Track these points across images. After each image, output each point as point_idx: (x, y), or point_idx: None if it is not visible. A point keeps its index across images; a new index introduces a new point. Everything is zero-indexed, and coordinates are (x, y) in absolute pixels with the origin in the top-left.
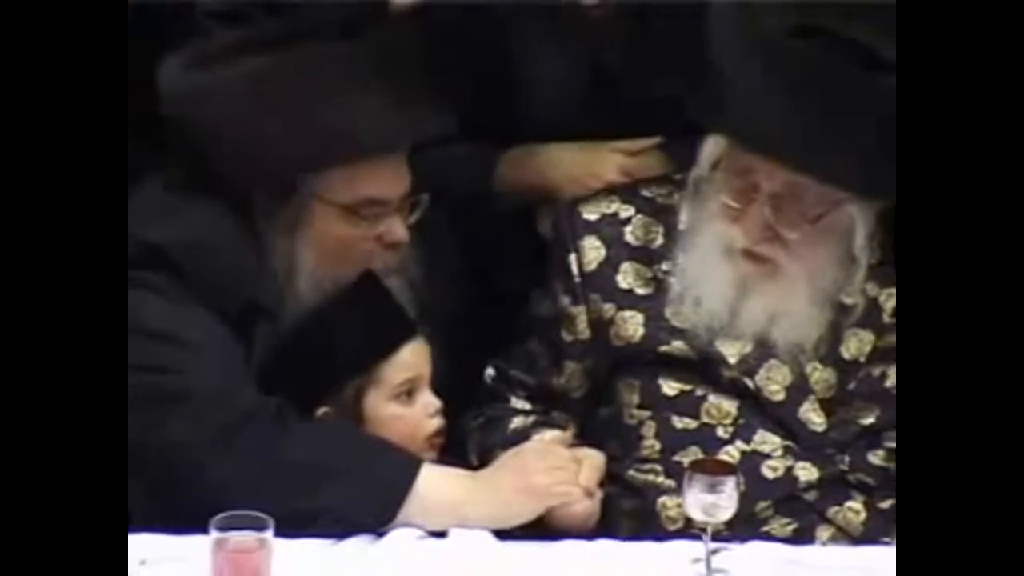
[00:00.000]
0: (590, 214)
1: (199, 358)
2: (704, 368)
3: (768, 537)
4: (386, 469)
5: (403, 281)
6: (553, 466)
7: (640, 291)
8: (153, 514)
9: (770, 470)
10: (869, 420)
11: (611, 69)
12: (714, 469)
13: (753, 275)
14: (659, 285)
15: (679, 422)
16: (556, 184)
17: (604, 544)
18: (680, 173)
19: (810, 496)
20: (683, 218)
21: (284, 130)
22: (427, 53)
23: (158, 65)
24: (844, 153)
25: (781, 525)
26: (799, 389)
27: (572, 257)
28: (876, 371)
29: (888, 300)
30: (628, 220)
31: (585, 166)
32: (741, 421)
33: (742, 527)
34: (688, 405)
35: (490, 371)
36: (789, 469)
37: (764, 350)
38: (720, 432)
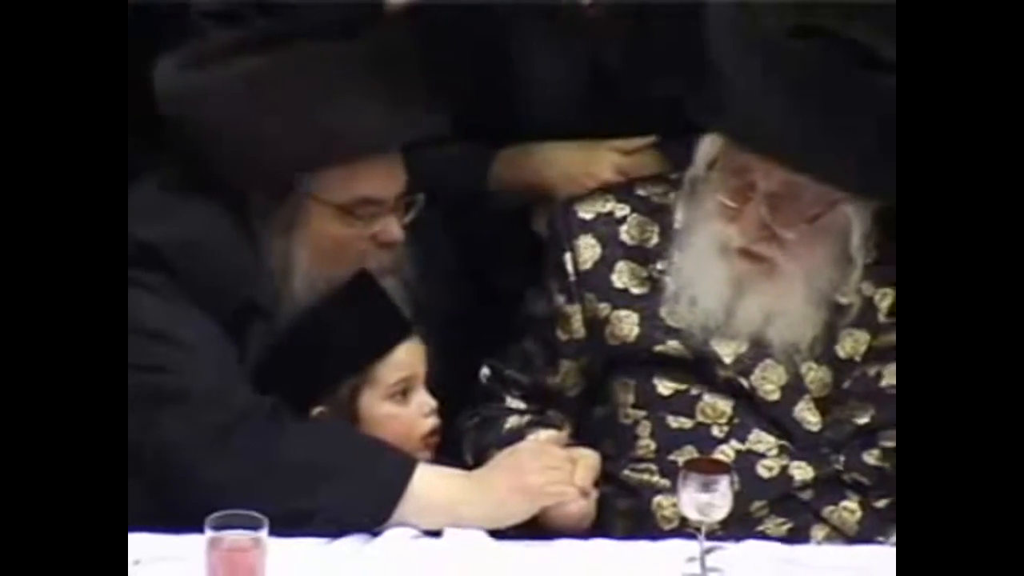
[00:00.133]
0: (585, 213)
1: (194, 357)
2: (699, 368)
3: (763, 536)
4: (381, 469)
5: (398, 280)
6: (548, 466)
7: (635, 290)
8: (148, 513)
9: (765, 469)
10: (864, 420)
11: (609, 69)
12: (709, 468)
13: (749, 274)
14: (654, 284)
15: (674, 421)
16: (552, 183)
17: (599, 543)
18: (676, 172)
19: (805, 495)
20: (679, 217)
21: (280, 130)
22: (423, 53)
23: (153, 65)
24: (842, 153)
25: (776, 524)
26: (794, 389)
27: (567, 256)
28: (871, 371)
29: (883, 300)
30: (623, 219)
31: (581, 165)
32: (736, 421)
33: (737, 526)
34: (683, 404)
35: (485, 370)
36: (784, 468)
37: (759, 349)
38: (715, 431)
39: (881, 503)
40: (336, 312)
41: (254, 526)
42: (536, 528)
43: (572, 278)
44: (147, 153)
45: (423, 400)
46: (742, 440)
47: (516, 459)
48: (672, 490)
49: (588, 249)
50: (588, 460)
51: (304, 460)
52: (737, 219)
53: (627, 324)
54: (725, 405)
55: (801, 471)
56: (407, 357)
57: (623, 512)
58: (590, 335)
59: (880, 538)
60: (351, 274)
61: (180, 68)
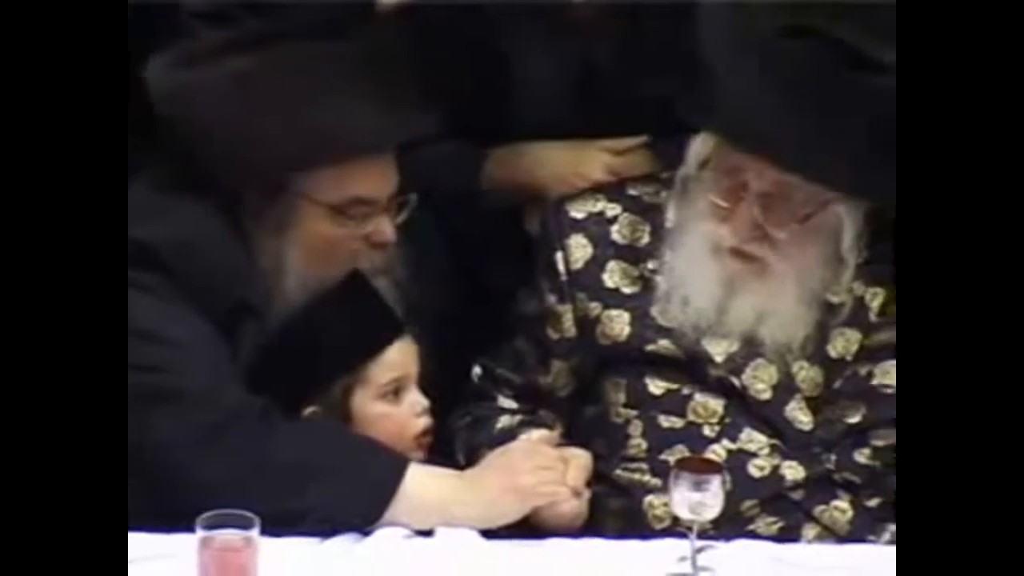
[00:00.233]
0: (577, 212)
1: (186, 357)
2: (691, 367)
3: (754, 536)
4: (373, 468)
5: (390, 280)
6: (540, 466)
7: (626, 290)
8: (140, 512)
9: (756, 469)
10: (855, 419)
11: (601, 68)
12: (700, 467)
13: (741, 274)
14: (646, 284)
15: (665, 421)
16: (543, 183)
17: (591, 543)
18: (667, 172)
19: (796, 495)
20: (670, 217)
21: (271, 130)
22: (414, 53)
23: (144, 65)
24: (834, 153)
25: (767, 524)
26: (785, 388)
27: (559, 255)
28: (862, 370)
29: (874, 299)
30: (614, 219)
31: (572, 165)
32: (727, 420)
33: (728, 526)
34: (674, 404)
35: (477, 370)
36: (775, 468)
37: (751, 349)
38: (706, 431)
39: (872, 502)
40: (328, 312)
41: (246, 525)
42: (528, 528)
43: (563, 277)
44: (140, 153)
45: (415, 400)
46: (733, 439)
47: (508, 459)
48: (663, 489)
49: (579, 248)
50: (580, 460)
51: (296, 459)
52: (729, 219)
53: (618, 323)
54: (716, 404)
55: (792, 470)
56: (399, 357)
57: (614, 511)
58: (581, 334)
59: (871, 537)
60: (343, 274)
61: (170, 68)
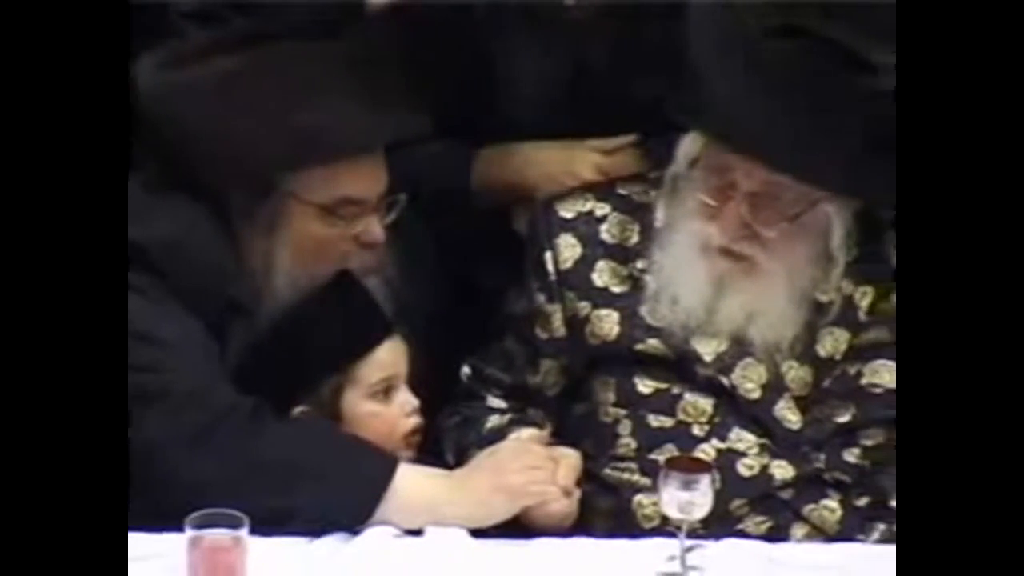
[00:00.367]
0: (566, 212)
1: (176, 357)
2: (680, 366)
3: (743, 535)
4: (363, 468)
5: (380, 280)
6: (529, 465)
7: (616, 289)
8: (129, 512)
9: (746, 468)
10: (844, 418)
11: (591, 68)
12: (689, 466)
13: (730, 273)
14: (635, 283)
15: (655, 420)
16: (533, 182)
17: (580, 542)
18: (656, 171)
19: (785, 494)
20: (659, 216)
21: (261, 130)
22: (404, 52)
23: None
24: (823, 153)
25: (756, 523)
26: (775, 387)
27: (548, 255)
28: (851, 369)
29: (863, 298)
30: (603, 218)
31: (561, 164)
32: (717, 419)
33: (717, 525)
34: (664, 403)
35: (466, 369)
36: (764, 467)
37: (740, 348)
38: (696, 430)
39: (861, 502)
40: (318, 311)
41: (235, 525)
42: (517, 527)
43: (553, 277)
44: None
45: (405, 399)
46: (723, 439)
47: (497, 458)
48: (653, 489)
49: (569, 248)
50: (570, 459)
51: (286, 459)
52: (718, 218)
53: (608, 323)
54: (706, 404)
55: (781, 470)
56: (389, 356)
57: (604, 511)
58: (571, 334)
59: (860, 537)
60: (333, 274)
61: (159, 68)
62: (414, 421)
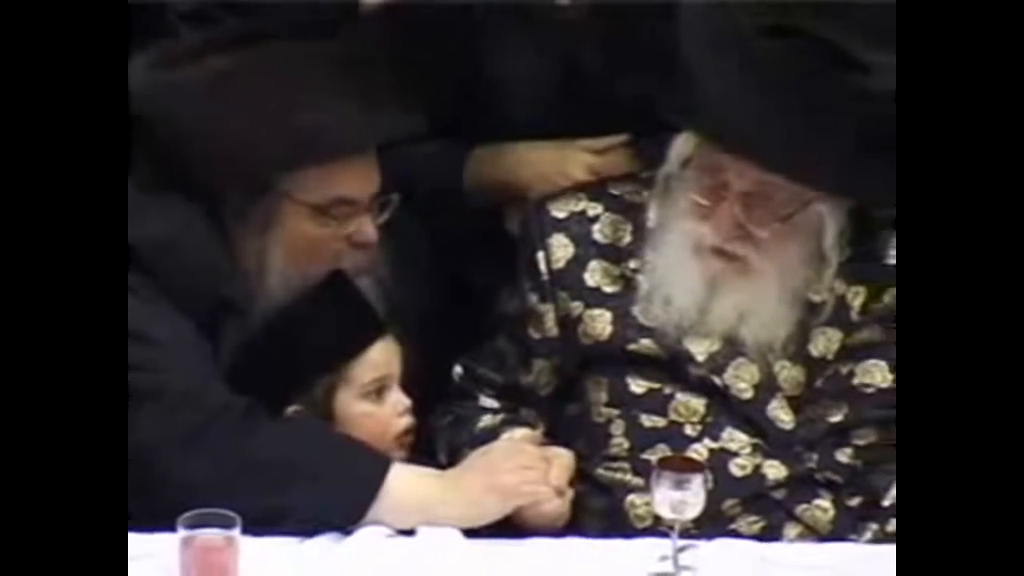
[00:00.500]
0: (558, 212)
1: (169, 356)
2: (672, 366)
3: (736, 535)
4: (356, 468)
5: (372, 280)
6: (522, 465)
7: (608, 289)
8: None
9: (738, 468)
10: (837, 418)
11: (584, 68)
12: (682, 466)
13: (723, 273)
14: (627, 283)
15: (647, 420)
16: (525, 182)
17: (572, 542)
18: (648, 171)
19: (778, 494)
20: (651, 216)
21: (254, 130)
22: (397, 52)
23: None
24: (815, 153)
25: (749, 523)
26: (767, 387)
27: (540, 255)
28: (844, 369)
29: (856, 298)
30: (596, 218)
31: (553, 164)
32: (709, 419)
33: (710, 525)
34: (656, 403)
35: (458, 369)
36: (757, 467)
37: (732, 348)
38: (688, 430)
39: (853, 502)
40: (311, 311)
41: (227, 525)
42: (510, 527)
43: (545, 277)
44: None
45: (398, 399)
46: (715, 438)
47: (490, 458)
48: (645, 488)
49: (561, 248)
50: (562, 459)
51: (278, 459)
52: (711, 218)
53: (600, 323)
54: (698, 403)
55: (774, 469)
56: (382, 356)
57: (596, 511)
58: (563, 334)
59: (853, 536)
60: (326, 274)
61: (152, 68)
62: (407, 421)
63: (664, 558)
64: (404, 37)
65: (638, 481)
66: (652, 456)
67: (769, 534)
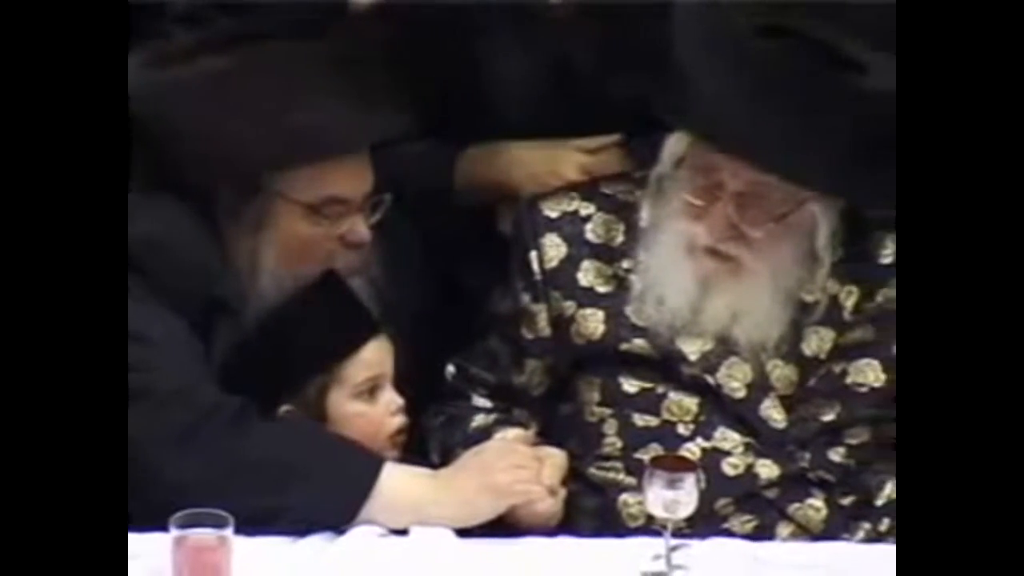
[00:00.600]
0: (551, 212)
1: (160, 355)
2: (665, 366)
3: (729, 534)
4: (348, 468)
5: (365, 279)
6: (515, 464)
7: (601, 289)
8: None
9: (731, 467)
10: (829, 417)
11: (576, 67)
12: (674, 465)
13: (716, 273)
14: (620, 283)
15: (640, 420)
16: (517, 182)
17: (565, 541)
18: (641, 170)
19: (770, 493)
20: (644, 215)
21: (246, 129)
22: (389, 52)
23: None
24: (810, 153)
25: (742, 522)
26: (760, 386)
27: (533, 255)
28: (836, 368)
29: (848, 297)
30: (588, 218)
31: (545, 164)
32: (702, 418)
33: (703, 524)
34: (649, 403)
35: (451, 369)
36: (750, 466)
37: (725, 347)
38: (681, 429)
39: (846, 501)
40: (303, 311)
41: (219, 525)
42: (503, 526)
43: (538, 277)
44: None
45: (390, 399)
46: (708, 438)
47: (483, 458)
48: (638, 488)
49: (554, 248)
50: (555, 459)
51: (271, 459)
52: (704, 218)
53: (593, 322)
54: (691, 403)
55: (767, 469)
56: (374, 356)
57: (589, 510)
58: (556, 334)
59: (845, 536)
60: (318, 273)
61: (145, 67)
62: (399, 420)
63: (657, 557)
64: (395, 36)
65: (631, 480)
66: (645, 455)
67: (762, 533)
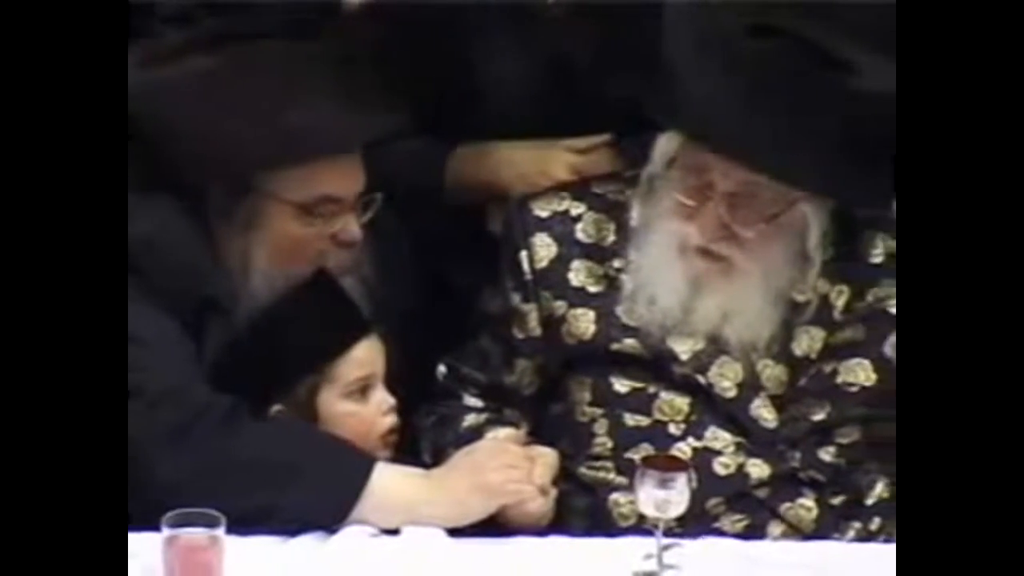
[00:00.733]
0: (541, 211)
1: (152, 355)
2: (656, 365)
3: (720, 533)
4: (340, 468)
5: (356, 279)
6: (506, 464)
7: (592, 288)
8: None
9: (722, 467)
10: (820, 417)
11: (567, 67)
12: (666, 465)
13: (707, 273)
14: (611, 283)
15: (631, 419)
16: (507, 183)
17: (557, 541)
18: (632, 170)
19: (761, 493)
20: (635, 215)
21: (238, 129)
22: (381, 51)
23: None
24: (801, 153)
25: (733, 521)
26: (750, 386)
27: (523, 254)
28: (827, 368)
29: (839, 297)
30: (579, 217)
31: (535, 164)
32: (693, 418)
33: (694, 523)
34: (640, 402)
35: (442, 368)
36: (741, 466)
37: (716, 347)
38: (672, 429)
39: (837, 500)
40: (295, 310)
41: (211, 524)
42: (494, 526)
43: (528, 276)
44: None
45: (382, 398)
46: (699, 437)
47: (475, 458)
48: (629, 487)
49: (544, 247)
50: (547, 458)
51: (263, 458)
52: (695, 218)
53: (584, 322)
54: (682, 402)
55: (757, 468)
56: (366, 355)
57: (580, 509)
58: (547, 333)
59: (836, 535)
60: (310, 273)
61: (134, 67)
62: (391, 420)
63: (648, 557)
64: (387, 36)
65: (622, 480)
66: (636, 455)
67: (753, 532)
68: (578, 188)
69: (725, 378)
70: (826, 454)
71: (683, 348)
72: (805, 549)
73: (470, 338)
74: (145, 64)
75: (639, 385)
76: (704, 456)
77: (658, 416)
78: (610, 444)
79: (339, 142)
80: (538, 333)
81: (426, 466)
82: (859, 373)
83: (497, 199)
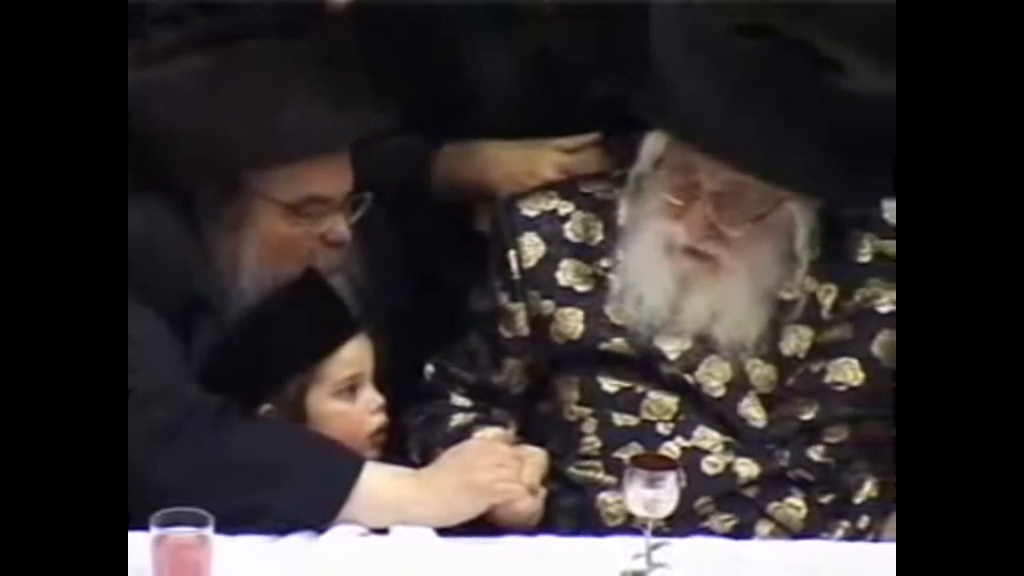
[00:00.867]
0: (529, 210)
1: (141, 355)
2: (644, 365)
3: (708, 532)
4: (329, 467)
5: (345, 278)
6: (495, 463)
7: (580, 288)
8: None
9: (710, 466)
10: (808, 416)
11: (555, 67)
12: (654, 464)
13: (694, 272)
14: (599, 282)
15: (619, 419)
16: (495, 182)
17: (545, 540)
18: (619, 170)
19: (750, 492)
20: (623, 214)
21: (226, 129)
22: (367, 51)
23: None
24: (787, 152)
25: (721, 521)
26: (739, 385)
27: (511, 254)
28: (815, 367)
29: (827, 296)
30: (567, 216)
31: (522, 163)
32: (681, 417)
33: (682, 522)
34: (628, 402)
35: (430, 368)
36: (729, 465)
37: (704, 346)
38: (661, 428)
39: (825, 499)
40: (283, 310)
41: (200, 523)
42: (483, 525)
43: (516, 276)
44: None
45: (371, 397)
46: (687, 436)
47: (463, 457)
48: (618, 487)
49: (532, 247)
50: (535, 458)
51: (252, 458)
52: (682, 217)
53: (572, 322)
54: (670, 402)
55: (746, 467)
56: (354, 354)
57: (569, 509)
58: (535, 333)
59: (825, 534)
60: (298, 272)
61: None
62: (379, 419)
63: (637, 556)
64: (373, 35)
65: (610, 479)
66: (624, 454)
67: (741, 532)
68: (566, 187)
69: (713, 377)
70: (815, 453)
71: (671, 347)
72: (794, 548)
73: (458, 337)
74: (135, 64)
75: (627, 384)
76: (693, 455)
77: (646, 415)
78: (599, 443)
79: (327, 141)
80: (526, 332)
81: (415, 466)
82: (847, 372)
83: (485, 198)
